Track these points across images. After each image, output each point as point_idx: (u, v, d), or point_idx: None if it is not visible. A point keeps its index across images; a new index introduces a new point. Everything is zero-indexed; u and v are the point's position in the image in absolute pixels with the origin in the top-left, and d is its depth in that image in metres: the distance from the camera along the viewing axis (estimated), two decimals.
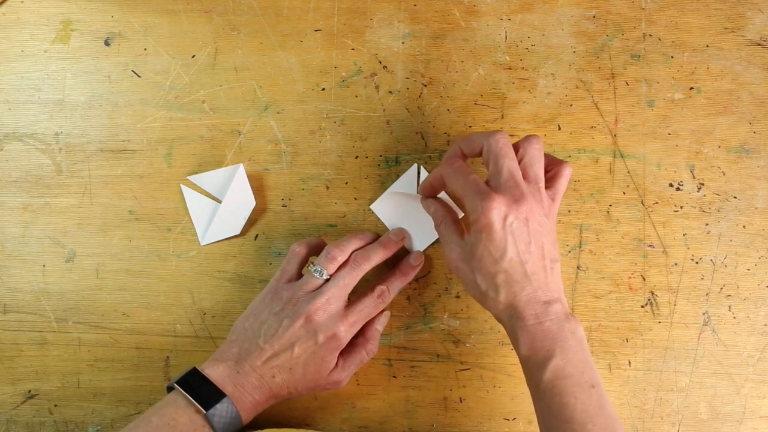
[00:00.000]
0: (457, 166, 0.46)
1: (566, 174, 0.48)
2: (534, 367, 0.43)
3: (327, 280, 0.49)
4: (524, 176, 0.45)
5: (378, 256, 0.50)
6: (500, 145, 0.45)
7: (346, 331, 0.48)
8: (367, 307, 0.49)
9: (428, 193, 0.51)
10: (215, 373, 0.46)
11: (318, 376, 0.48)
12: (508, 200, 0.43)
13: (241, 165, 0.54)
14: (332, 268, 0.49)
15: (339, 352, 0.48)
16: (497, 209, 0.43)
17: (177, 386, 0.45)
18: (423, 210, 0.53)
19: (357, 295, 0.50)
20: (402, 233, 0.52)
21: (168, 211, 0.55)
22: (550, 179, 0.48)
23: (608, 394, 0.52)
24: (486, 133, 0.46)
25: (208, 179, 0.54)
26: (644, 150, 0.54)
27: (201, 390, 0.45)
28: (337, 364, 0.49)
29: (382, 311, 0.52)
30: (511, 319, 0.44)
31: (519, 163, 0.45)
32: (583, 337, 0.44)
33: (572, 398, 0.42)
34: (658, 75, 0.54)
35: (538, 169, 0.46)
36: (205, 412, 0.44)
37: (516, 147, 0.46)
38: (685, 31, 0.54)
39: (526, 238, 0.44)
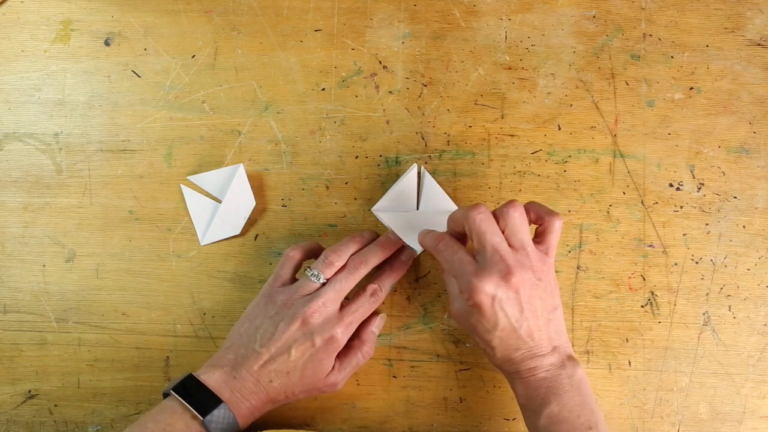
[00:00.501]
0: (444, 243, 0.47)
1: (557, 228, 0.47)
2: (530, 414, 0.45)
3: (323, 284, 0.49)
4: (509, 245, 0.45)
5: (376, 258, 0.50)
6: (478, 222, 0.45)
7: (342, 333, 0.48)
8: (362, 306, 0.49)
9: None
10: (211, 379, 0.46)
11: (315, 378, 0.48)
12: (496, 279, 0.43)
13: (241, 165, 0.54)
14: (329, 272, 0.49)
15: (336, 354, 0.48)
16: (484, 291, 0.43)
17: (173, 392, 0.45)
18: (424, 210, 0.53)
19: (350, 295, 0.50)
20: None
21: (168, 211, 0.55)
22: (541, 234, 0.47)
23: (608, 394, 0.52)
24: (465, 210, 0.46)
25: (208, 179, 0.54)
26: (644, 150, 0.54)
27: (197, 396, 0.45)
28: (333, 366, 0.49)
29: (377, 313, 0.52)
30: (509, 374, 0.47)
31: (503, 232, 0.45)
32: (581, 379, 0.45)
33: None
34: (658, 75, 0.54)
35: (522, 236, 0.45)
36: (201, 418, 0.44)
37: (496, 215, 0.46)
38: (685, 31, 0.54)
39: (518, 307, 0.44)
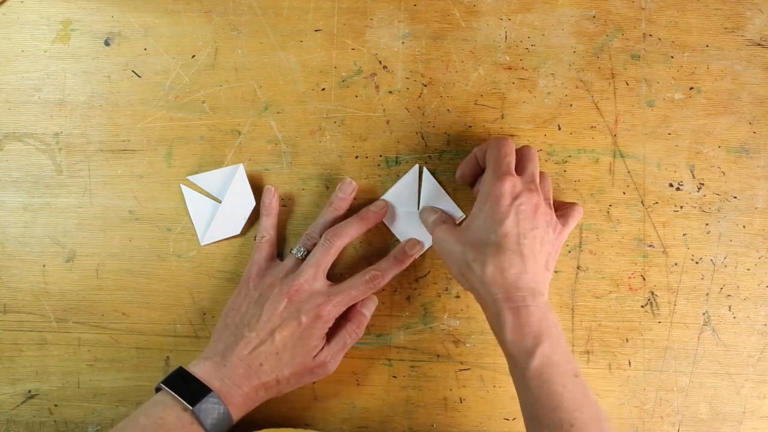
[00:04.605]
0: (508, 141, 0.48)
1: (578, 212, 0.50)
2: (521, 354, 0.42)
3: (304, 260, 0.50)
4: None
5: (354, 230, 0.50)
6: (532, 153, 0.48)
7: (330, 311, 0.48)
8: (354, 288, 0.49)
9: (467, 168, 0.51)
10: (201, 369, 0.46)
11: (305, 358, 0.47)
12: (525, 186, 0.45)
13: (241, 165, 0.54)
14: (311, 246, 0.50)
15: (325, 332, 0.48)
16: (512, 185, 0.45)
17: (163, 385, 0.45)
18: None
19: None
20: (383, 204, 0.53)
21: (168, 211, 0.55)
22: (563, 210, 0.50)
23: (608, 394, 0.52)
24: (522, 146, 0.50)
25: (208, 179, 0.54)
26: (644, 150, 0.54)
27: (186, 387, 0.45)
28: (323, 346, 0.48)
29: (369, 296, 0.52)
30: (496, 302, 0.43)
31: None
32: (561, 329, 0.44)
33: (560, 386, 0.41)
34: (658, 75, 0.54)
35: (549, 192, 0.49)
36: (191, 408, 0.44)
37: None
38: (685, 31, 0.54)
39: (530, 223, 0.44)
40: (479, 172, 0.51)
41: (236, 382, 0.46)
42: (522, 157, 0.48)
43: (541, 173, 0.50)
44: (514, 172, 0.46)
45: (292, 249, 0.51)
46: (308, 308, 0.47)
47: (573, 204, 0.50)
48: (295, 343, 0.47)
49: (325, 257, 0.49)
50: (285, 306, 0.47)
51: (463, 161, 0.51)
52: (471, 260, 0.44)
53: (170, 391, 0.45)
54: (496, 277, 0.43)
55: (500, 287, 0.43)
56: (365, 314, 0.51)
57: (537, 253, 0.44)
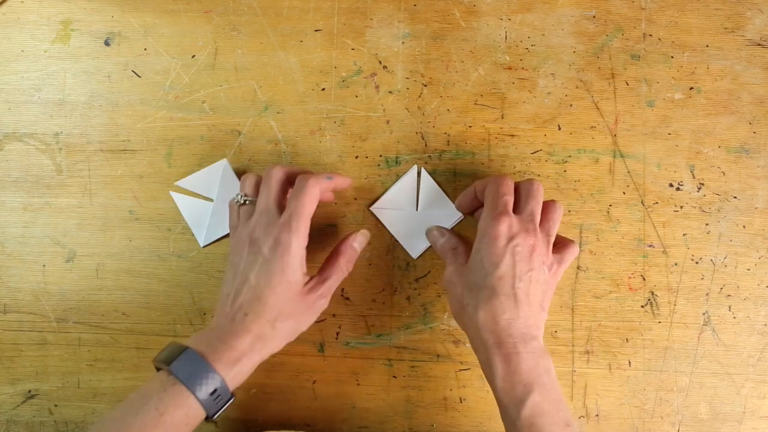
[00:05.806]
0: (507, 181, 0.47)
1: (574, 251, 0.49)
2: (511, 403, 0.42)
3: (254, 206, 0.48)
4: (540, 225, 0.46)
5: (286, 167, 0.49)
6: (534, 189, 0.47)
7: (289, 235, 0.45)
8: (300, 201, 0.45)
9: (465, 200, 0.51)
10: (190, 340, 0.44)
11: (289, 293, 0.45)
12: (521, 227, 0.45)
13: (225, 160, 0.54)
14: (250, 189, 0.48)
15: (297, 262, 0.45)
16: (508, 226, 0.44)
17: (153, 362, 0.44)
18: (423, 212, 0.53)
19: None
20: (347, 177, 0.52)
21: (168, 211, 0.55)
22: (559, 248, 0.48)
23: (608, 394, 0.52)
24: (526, 180, 0.48)
25: (196, 181, 0.54)
26: (644, 150, 0.54)
27: (169, 355, 0.43)
28: (309, 280, 0.47)
29: (359, 232, 0.51)
30: (487, 347, 0.43)
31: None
32: (555, 375, 0.44)
33: None
34: (658, 75, 0.54)
35: (552, 227, 0.47)
36: (167, 368, 0.42)
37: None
38: (685, 31, 0.54)
39: (526, 265, 0.44)
40: (477, 204, 0.50)
41: (223, 339, 0.44)
42: (524, 192, 0.47)
43: (552, 203, 0.48)
44: (510, 212, 0.45)
45: (235, 197, 0.49)
46: (264, 237, 0.45)
47: (569, 242, 0.49)
48: (268, 281, 0.45)
49: (267, 190, 0.47)
50: (248, 248, 0.46)
51: (462, 192, 0.51)
52: (466, 303, 0.45)
53: (155, 362, 0.44)
54: (488, 322, 0.43)
55: (491, 333, 0.43)
56: (355, 248, 0.50)
57: (531, 295, 0.44)
